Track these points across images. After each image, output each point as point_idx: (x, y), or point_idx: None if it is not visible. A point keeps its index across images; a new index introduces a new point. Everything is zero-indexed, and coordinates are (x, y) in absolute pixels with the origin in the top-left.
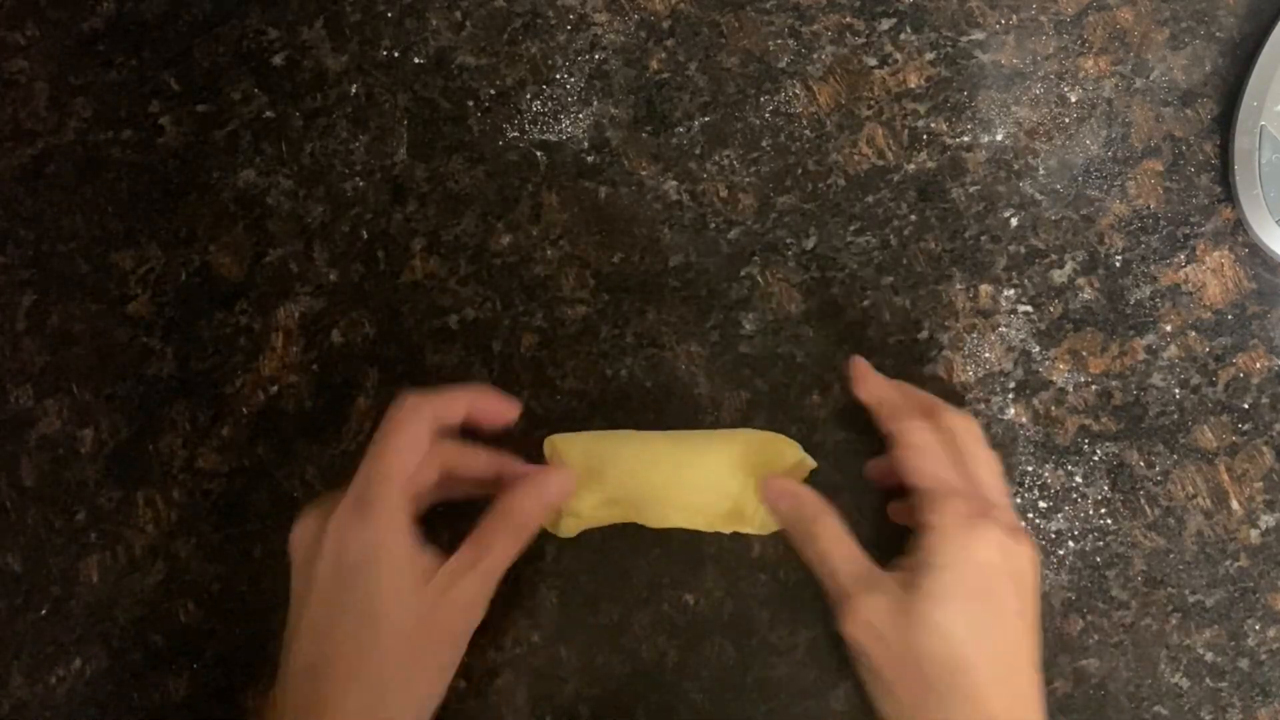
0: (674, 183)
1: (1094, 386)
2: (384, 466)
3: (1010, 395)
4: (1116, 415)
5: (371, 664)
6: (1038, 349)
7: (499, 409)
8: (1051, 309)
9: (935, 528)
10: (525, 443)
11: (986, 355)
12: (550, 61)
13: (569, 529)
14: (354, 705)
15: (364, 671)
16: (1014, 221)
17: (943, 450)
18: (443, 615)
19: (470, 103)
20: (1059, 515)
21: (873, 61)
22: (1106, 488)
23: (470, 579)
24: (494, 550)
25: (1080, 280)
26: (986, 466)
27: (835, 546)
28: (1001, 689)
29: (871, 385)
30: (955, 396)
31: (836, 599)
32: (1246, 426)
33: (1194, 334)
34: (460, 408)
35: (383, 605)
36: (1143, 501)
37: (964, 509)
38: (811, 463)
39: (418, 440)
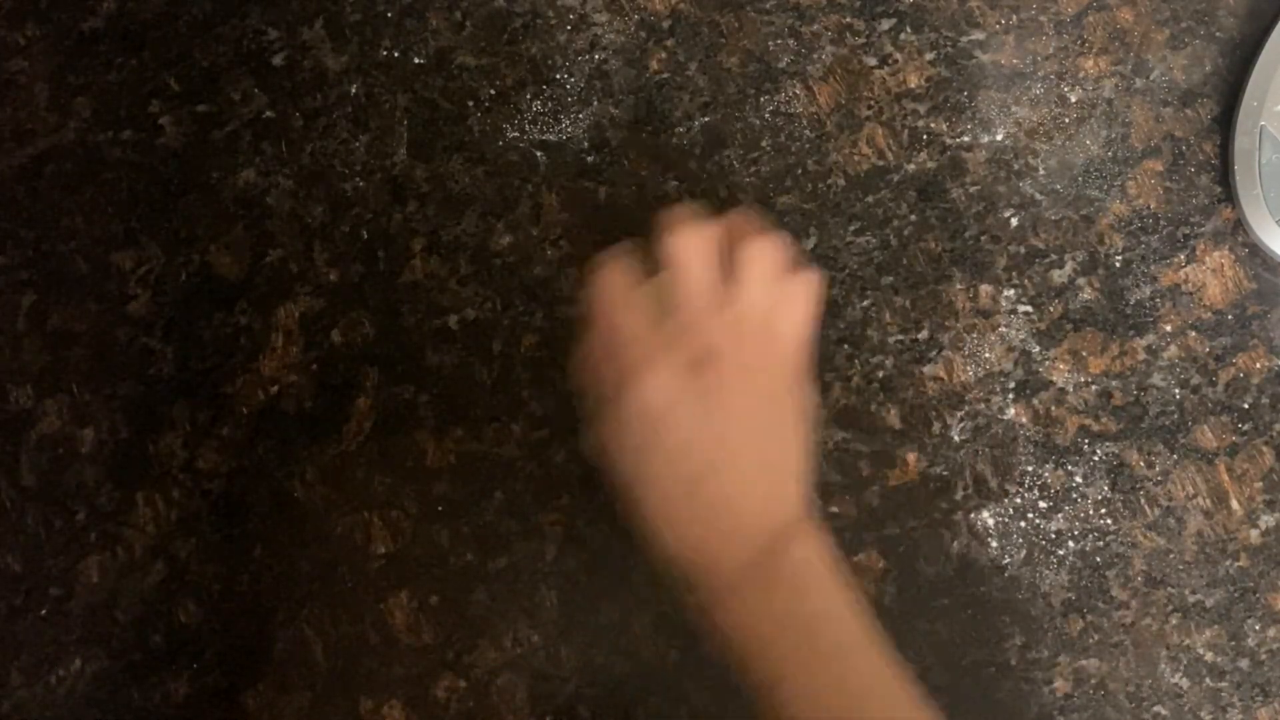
0: (674, 183)
1: (1094, 386)
2: None
3: (1010, 395)
4: (1116, 415)
5: None
6: (1038, 349)
7: None
8: (1051, 309)
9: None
10: (527, 444)
11: (986, 355)
12: (550, 61)
13: None
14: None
15: None
16: (1014, 221)
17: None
18: None
19: (470, 103)
20: (1059, 515)
21: (873, 61)
22: (1106, 488)
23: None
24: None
25: (1080, 280)
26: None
27: None
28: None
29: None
30: (955, 396)
31: None
32: (1246, 426)
33: (1194, 334)
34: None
35: None
36: (1143, 501)
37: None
38: None
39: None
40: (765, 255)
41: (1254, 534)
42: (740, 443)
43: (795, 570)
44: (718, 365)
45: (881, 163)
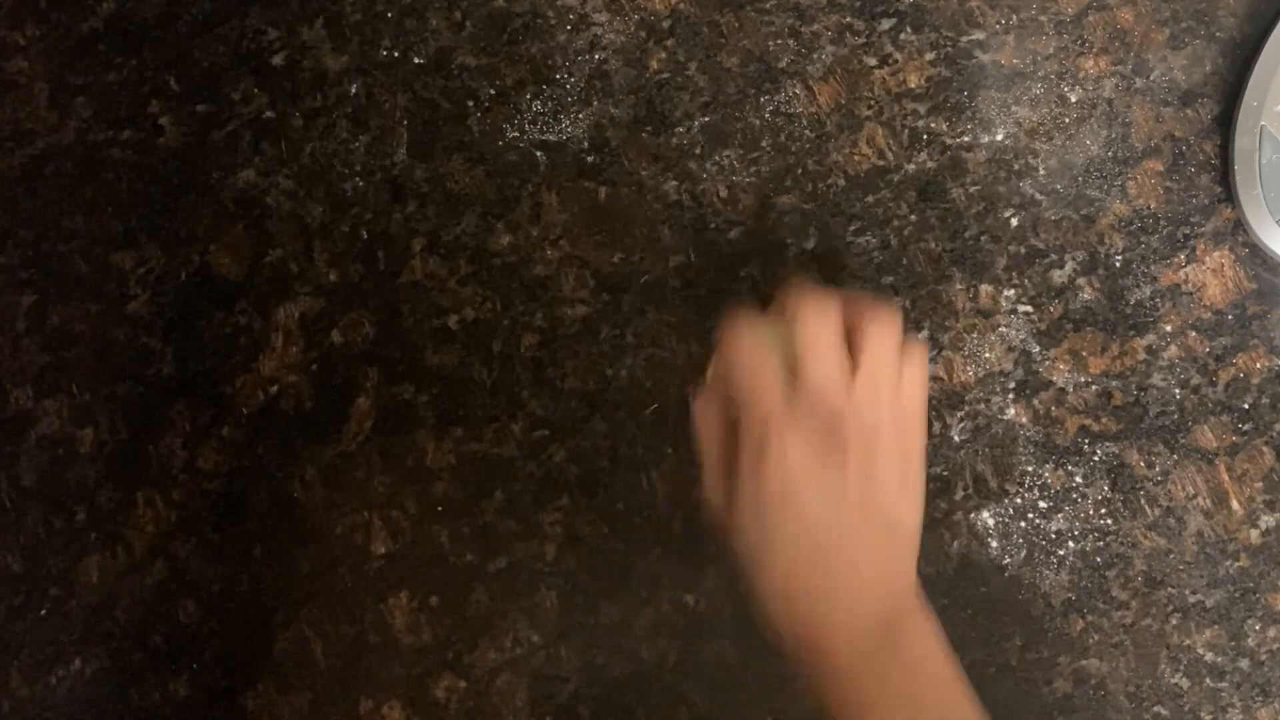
0: (674, 183)
1: (1094, 386)
2: None
3: (1010, 395)
4: (1116, 415)
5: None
6: (1038, 349)
7: None
8: (1051, 309)
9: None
10: (527, 444)
11: (986, 355)
12: (550, 61)
13: None
14: None
15: None
16: (1014, 221)
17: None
18: None
19: (470, 103)
20: (1059, 515)
21: (873, 61)
22: (1106, 488)
23: None
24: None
25: (1080, 280)
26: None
27: None
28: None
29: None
30: (955, 396)
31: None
32: (1246, 426)
33: (1194, 334)
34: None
35: None
36: (1143, 501)
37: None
38: None
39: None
40: (886, 334)
41: (1254, 534)
42: (867, 517)
43: (912, 660)
44: (853, 441)
45: (881, 163)
